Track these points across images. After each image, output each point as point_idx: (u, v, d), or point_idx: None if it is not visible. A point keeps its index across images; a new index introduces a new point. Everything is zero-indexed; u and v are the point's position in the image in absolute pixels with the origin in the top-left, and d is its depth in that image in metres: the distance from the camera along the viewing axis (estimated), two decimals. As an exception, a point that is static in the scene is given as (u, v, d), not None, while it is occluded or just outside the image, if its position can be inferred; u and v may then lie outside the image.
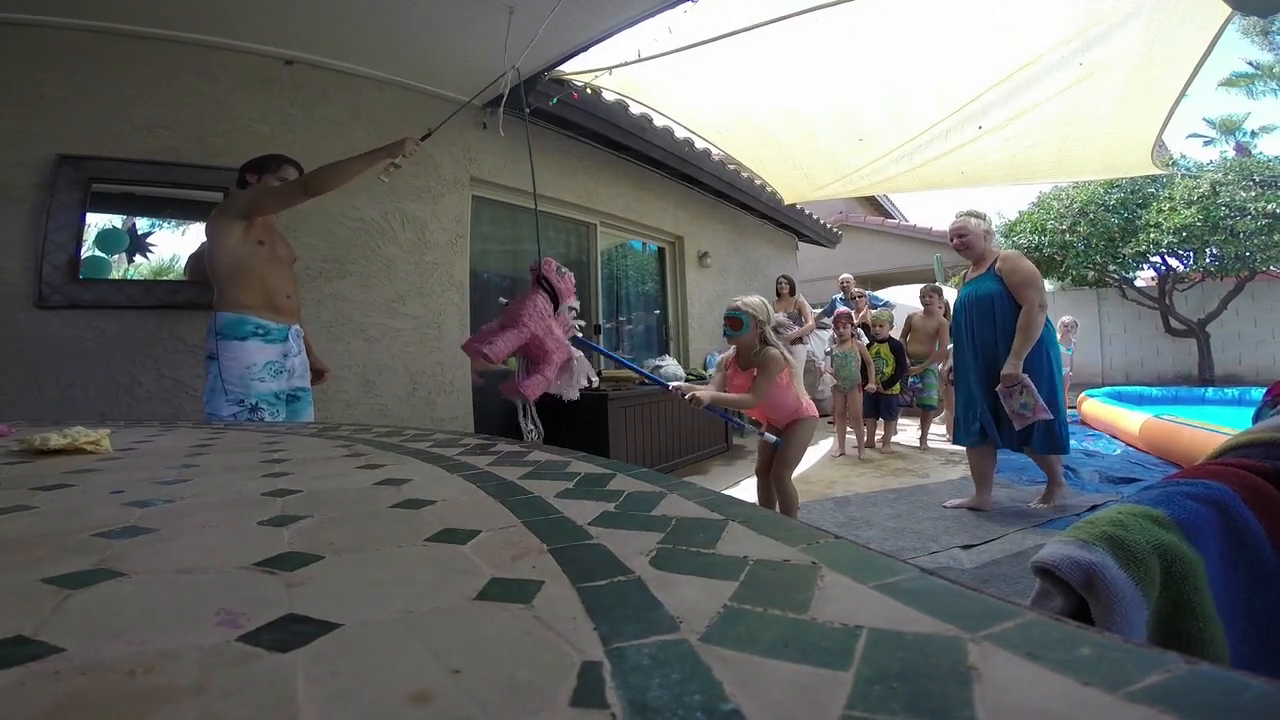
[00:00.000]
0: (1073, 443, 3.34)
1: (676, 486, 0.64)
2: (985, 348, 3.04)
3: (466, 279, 4.00)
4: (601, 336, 5.32)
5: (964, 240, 3.13)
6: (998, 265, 3.01)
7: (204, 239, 2.35)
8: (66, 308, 2.64)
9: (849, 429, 5.06)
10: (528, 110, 3.12)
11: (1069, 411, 3.33)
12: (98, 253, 2.89)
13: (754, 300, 2.55)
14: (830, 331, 5.91)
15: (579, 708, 0.25)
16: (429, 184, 3.79)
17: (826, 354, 5.50)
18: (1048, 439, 2.92)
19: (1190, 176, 8.35)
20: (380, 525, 0.54)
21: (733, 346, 2.63)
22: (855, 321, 6.11)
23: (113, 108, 2.78)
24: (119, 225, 2.97)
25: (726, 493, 0.61)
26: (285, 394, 2.28)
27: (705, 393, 2.40)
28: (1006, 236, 9.72)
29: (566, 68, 3.67)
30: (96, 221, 2.86)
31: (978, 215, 3.16)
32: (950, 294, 6.92)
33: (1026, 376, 2.84)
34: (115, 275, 2.96)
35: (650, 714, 0.24)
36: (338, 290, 3.35)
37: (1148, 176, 7.32)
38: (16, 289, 2.57)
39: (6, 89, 2.60)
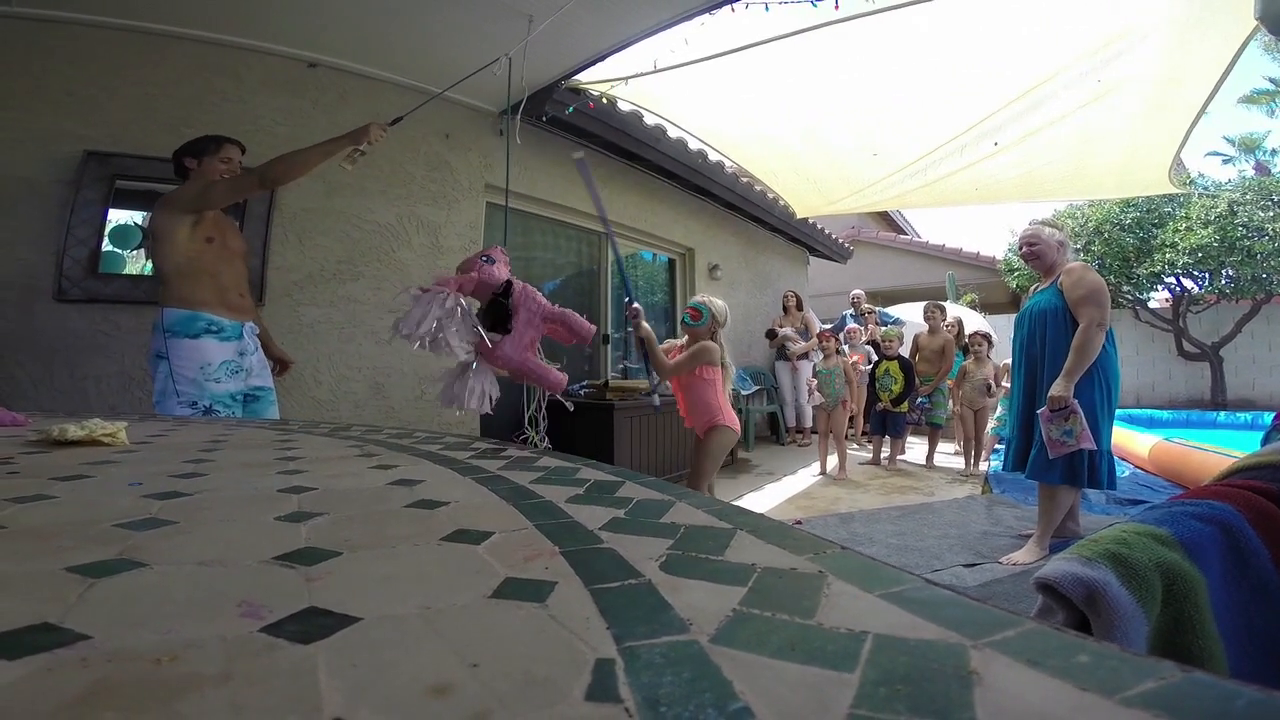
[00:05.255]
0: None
1: (685, 495, 0.65)
2: (1029, 365, 2.84)
3: (478, 284, 4.01)
4: (610, 346, 5.33)
5: (1034, 250, 2.88)
6: (1061, 278, 2.76)
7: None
8: (84, 301, 2.68)
9: (831, 449, 4.93)
10: (510, 98, 3.15)
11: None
12: (111, 248, 2.92)
13: (719, 303, 2.62)
14: (844, 346, 5.90)
15: (594, 702, 0.25)
16: (444, 189, 3.82)
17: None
18: (1068, 469, 2.62)
19: (1208, 195, 8.20)
20: (395, 524, 0.55)
21: (684, 337, 2.68)
22: (865, 338, 6.10)
23: (139, 105, 2.83)
24: (139, 221, 3.01)
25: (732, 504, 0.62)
26: (242, 394, 2.17)
27: (647, 332, 2.49)
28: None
29: (583, 77, 3.71)
30: (116, 217, 2.91)
31: (1053, 225, 2.94)
32: (958, 311, 6.88)
33: (1077, 402, 2.57)
34: (133, 271, 3.00)
35: (663, 709, 0.25)
36: (351, 292, 3.39)
37: (1164, 195, 7.23)
38: (37, 282, 2.61)
39: (39, 85, 2.65)
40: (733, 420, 2.57)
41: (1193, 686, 0.25)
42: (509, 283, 1.47)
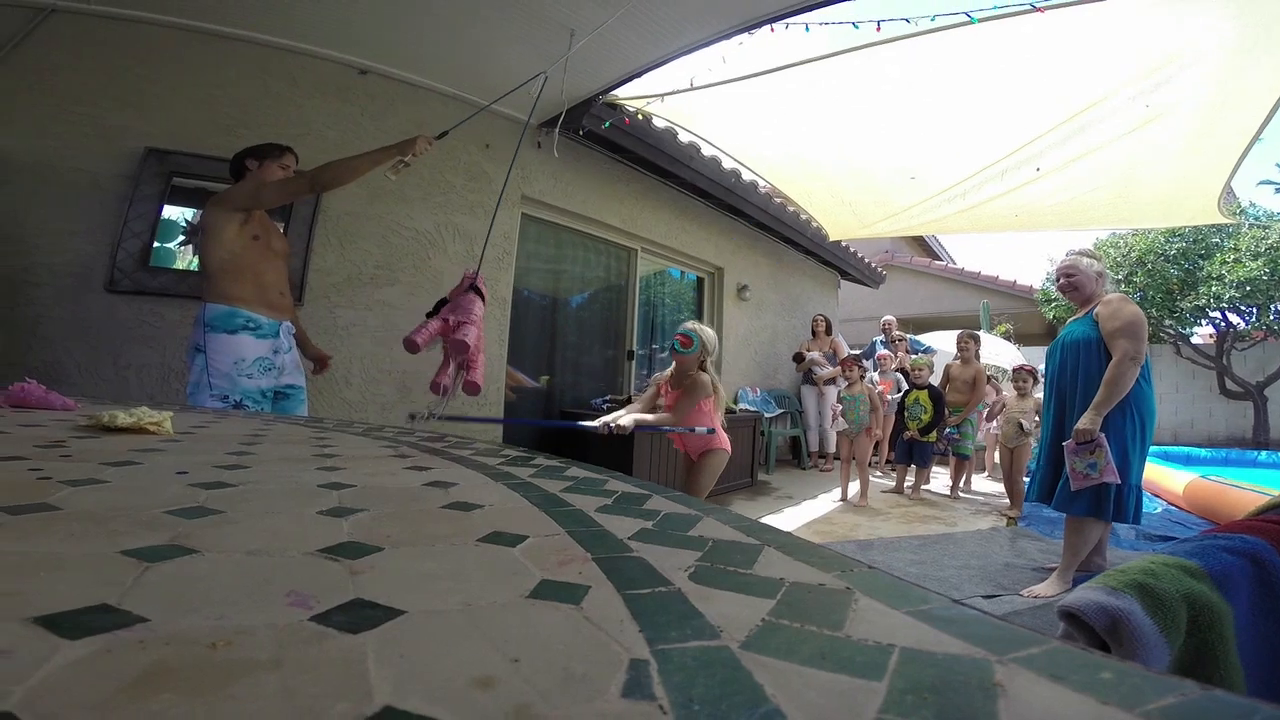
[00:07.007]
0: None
1: (712, 511, 0.65)
2: (1059, 396, 2.78)
3: (510, 295, 4.07)
4: (634, 363, 5.34)
5: (1072, 281, 2.84)
6: (1097, 309, 2.72)
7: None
8: (133, 293, 2.78)
9: (853, 475, 4.84)
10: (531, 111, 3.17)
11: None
12: (159, 243, 3.03)
13: (709, 332, 2.70)
14: (875, 373, 5.81)
15: (630, 699, 0.26)
16: (482, 199, 3.89)
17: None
18: (1094, 501, 2.57)
19: (1259, 226, 7.89)
20: (433, 523, 0.56)
21: (673, 365, 2.71)
22: (894, 366, 6.01)
23: (200, 105, 2.95)
24: (189, 218, 3.12)
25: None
26: (272, 391, 2.23)
27: (628, 418, 2.48)
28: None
29: (619, 93, 3.76)
30: (168, 213, 3.01)
31: (1091, 255, 2.90)
32: (991, 342, 6.73)
33: (1104, 436, 2.52)
34: (181, 265, 3.10)
35: (696, 708, 0.26)
36: (386, 297, 3.46)
37: (1212, 226, 7.00)
38: (91, 273, 2.72)
39: (110, 82, 2.78)
40: (726, 443, 2.66)
41: (1211, 703, 0.26)
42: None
